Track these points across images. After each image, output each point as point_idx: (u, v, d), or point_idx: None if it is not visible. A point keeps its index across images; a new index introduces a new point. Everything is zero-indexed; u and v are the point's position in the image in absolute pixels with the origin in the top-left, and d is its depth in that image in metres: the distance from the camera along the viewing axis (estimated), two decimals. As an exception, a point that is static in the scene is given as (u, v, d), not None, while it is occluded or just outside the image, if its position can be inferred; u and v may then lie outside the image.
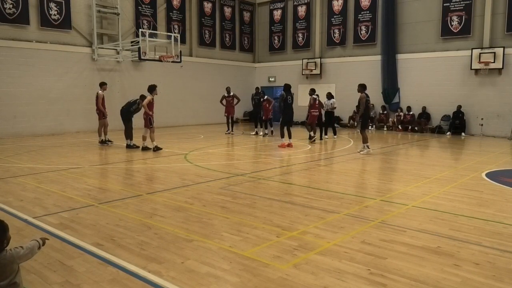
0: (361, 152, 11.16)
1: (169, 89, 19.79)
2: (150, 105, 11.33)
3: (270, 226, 4.89)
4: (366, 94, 11.06)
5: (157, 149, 11.28)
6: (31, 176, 7.84)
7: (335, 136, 15.11)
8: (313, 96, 14.42)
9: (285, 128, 12.61)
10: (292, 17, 22.71)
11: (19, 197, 6.27)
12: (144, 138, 11.39)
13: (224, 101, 16.61)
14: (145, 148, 11.44)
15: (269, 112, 15.56)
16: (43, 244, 2.87)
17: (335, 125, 20.44)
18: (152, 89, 11.43)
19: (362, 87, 11.13)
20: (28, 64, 15.11)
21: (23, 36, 15.04)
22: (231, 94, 16.50)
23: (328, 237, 4.52)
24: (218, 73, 22.18)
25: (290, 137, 12.60)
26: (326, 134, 15.14)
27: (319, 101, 14.63)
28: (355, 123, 19.60)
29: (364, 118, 11.23)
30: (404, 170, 8.97)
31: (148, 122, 11.36)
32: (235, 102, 16.59)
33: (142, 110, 11.64)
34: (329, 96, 15.32)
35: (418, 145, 13.71)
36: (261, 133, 15.97)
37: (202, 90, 21.26)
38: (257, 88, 17.45)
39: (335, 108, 15.26)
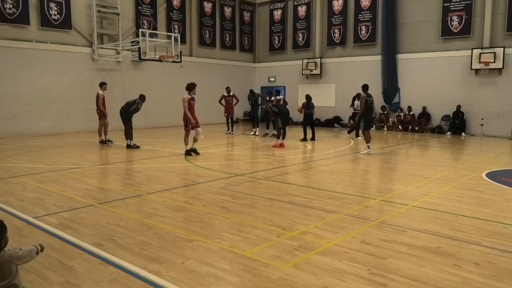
0: (362, 152, 11.16)
1: (169, 89, 19.78)
2: (189, 105, 10.29)
3: (270, 226, 4.89)
4: (369, 94, 11.09)
5: (188, 153, 10.46)
6: (31, 176, 7.84)
7: (359, 138, 14.84)
8: (277, 97, 15.17)
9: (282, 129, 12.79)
10: (292, 17, 22.70)
11: (19, 197, 6.27)
12: (195, 140, 10.56)
13: (223, 101, 16.61)
14: (191, 151, 10.59)
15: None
16: (41, 250, 2.88)
17: (336, 125, 20.55)
18: (191, 87, 10.43)
19: (363, 88, 11.20)
20: (28, 64, 15.11)
21: (23, 36, 15.04)
22: (231, 94, 16.48)
23: (328, 237, 4.51)
24: (218, 73, 22.18)
25: (284, 137, 12.78)
26: (358, 136, 14.93)
27: (284, 101, 14.95)
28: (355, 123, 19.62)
29: (366, 118, 11.23)
30: (404, 170, 8.97)
31: (185, 124, 10.40)
32: (234, 102, 16.58)
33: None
34: (358, 96, 14.98)
35: (418, 145, 13.71)
36: (257, 133, 15.99)
37: (202, 90, 21.08)
38: (251, 90, 17.38)
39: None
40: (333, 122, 20.76)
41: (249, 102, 16.74)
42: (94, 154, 11.02)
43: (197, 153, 10.56)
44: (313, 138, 14.30)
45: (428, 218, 5.26)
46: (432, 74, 17.84)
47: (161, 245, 4.26)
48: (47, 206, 5.79)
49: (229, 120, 16.51)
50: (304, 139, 14.14)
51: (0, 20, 14.38)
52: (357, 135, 14.90)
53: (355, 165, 9.59)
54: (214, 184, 7.24)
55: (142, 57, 14.94)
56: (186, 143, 10.54)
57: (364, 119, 11.26)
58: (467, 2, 16.85)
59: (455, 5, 17.14)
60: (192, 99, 10.41)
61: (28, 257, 2.77)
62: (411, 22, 18.42)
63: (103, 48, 17.15)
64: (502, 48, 15.94)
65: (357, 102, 15.03)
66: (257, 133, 16.10)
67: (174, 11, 20.13)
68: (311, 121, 14.61)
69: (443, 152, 12.56)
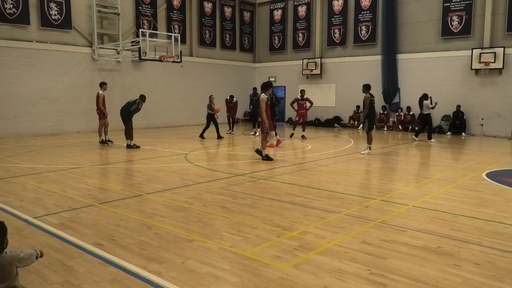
0: (362, 152, 11.16)
1: (169, 89, 19.82)
2: (266, 106, 9.64)
3: (270, 226, 4.89)
4: (371, 94, 11.05)
5: (267, 158, 9.81)
6: (32, 176, 7.84)
7: (432, 140, 14.39)
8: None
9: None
10: (292, 17, 22.71)
11: (19, 197, 6.27)
12: (271, 145, 9.76)
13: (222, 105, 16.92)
14: (266, 158, 9.89)
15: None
16: (41, 256, 2.88)
17: (336, 125, 20.53)
18: (268, 86, 9.81)
19: (366, 88, 11.08)
20: (29, 64, 15.12)
21: (23, 36, 15.05)
22: (234, 101, 16.54)
23: (328, 237, 4.51)
24: (218, 73, 22.19)
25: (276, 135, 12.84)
26: (430, 138, 14.41)
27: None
28: (356, 123, 19.63)
29: (370, 119, 11.21)
30: (405, 170, 8.96)
31: (263, 126, 9.77)
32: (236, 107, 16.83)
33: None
34: (426, 96, 14.41)
35: (419, 145, 13.70)
36: (257, 133, 15.98)
37: (202, 90, 21.22)
38: (254, 88, 17.43)
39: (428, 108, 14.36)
40: (333, 122, 20.76)
41: (251, 101, 16.86)
42: (94, 154, 11.03)
43: (270, 159, 9.84)
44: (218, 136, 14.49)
45: (428, 218, 5.26)
46: (432, 74, 17.84)
47: (161, 245, 4.26)
48: (47, 206, 5.79)
49: (230, 120, 16.59)
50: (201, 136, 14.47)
51: (0, 20, 14.39)
52: (430, 137, 14.35)
53: (355, 165, 9.58)
54: (214, 184, 7.24)
55: (142, 57, 14.96)
56: (264, 147, 9.89)
57: (368, 120, 11.24)
58: (467, 2, 16.85)
59: (455, 5, 17.14)
60: (268, 99, 9.79)
61: (29, 260, 2.77)
62: (411, 22, 18.42)
63: (103, 48, 17.15)
64: (502, 48, 15.93)
65: (426, 102, 14.18)
66: (257, 133, 16.11)
67: (174, 11, 20.13)
68: (213, 120, 14.65)
69: (443, 152, 12.55)
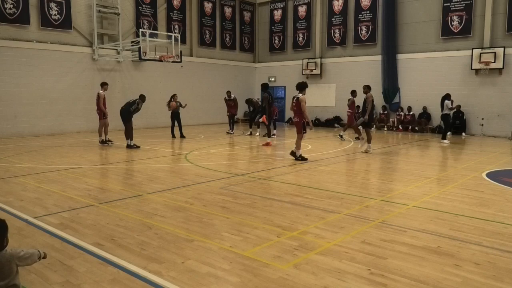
0: (361, 150, 11.18)
1: (169, 89, 19.74)
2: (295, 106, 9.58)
3: (271, 226, 4.89)
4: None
5: (301, 158, 9.75)
6: (32, 176, 7.84)
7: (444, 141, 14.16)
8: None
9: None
10: (293, 17, 22.71)
11: (19, 197, 6.27)
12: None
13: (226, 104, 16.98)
14: (301, 158, 9.79)
15: (274, 113, 15.56)
16: (44, 257, 2.87)
17: (336, 125, 20.51)
18: (304, 86, 9.77)
19: (368, 88, 11.33)
20: (29, 64, 15.12)
21: (23, 36, 15.05)
22: (232, 97, 16.59)
23: (329, 237, 4.51)
24: (218, 73, 22.18)
25: (269, 136, 13.17)
26: (444, 138, 14.25)
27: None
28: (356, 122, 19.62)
29: (370, 118, 11.35)
30: (405, 170, 8.96)
31: (301, 128, 9.51)
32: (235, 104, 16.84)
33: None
34: (449, 97, 14.11)
35: (419, 145, 13.70)
36: (257, 134, 15.98)
37: (202, 90, 21.27)
38: (247, 100, 17.48)
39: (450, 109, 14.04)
40: (333, 122, 20.77)
41: (249, 109, 17.06)
42: (94, 154, 11.02)
43: (305, 159, 9.81)
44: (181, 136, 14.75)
45: (428, 218, 5.26)
46: (432, 74, 17.84)
47: (161, 245, 4.26)
48: (47, 206, 5.79)
49: (230, 120, 16.63)
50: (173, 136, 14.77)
51: (0, 20, 14.38)
52: (444, 138, 14.23)
53: (355, 165, 9.58)
54: (214, 184, 7.24)
55: (142, 57, 14.96)
56: (299, 148, 9.75)
57: (368, 118, 11.34)
58: (467, 2, 16.85)
59: (455, 5, 17.14)
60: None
61: (30, 259, 2.76)
62: (411, 22, 18.42)
63: (103, 48, 17.16)
64: (502, 48, 15.93)
65: (447, 102, 13.78)
66: (257, 133, 16.11)
67: (174, 11, 20.13)
68: (177, 118, 14.79)
69: (443, 152, 12.55)
